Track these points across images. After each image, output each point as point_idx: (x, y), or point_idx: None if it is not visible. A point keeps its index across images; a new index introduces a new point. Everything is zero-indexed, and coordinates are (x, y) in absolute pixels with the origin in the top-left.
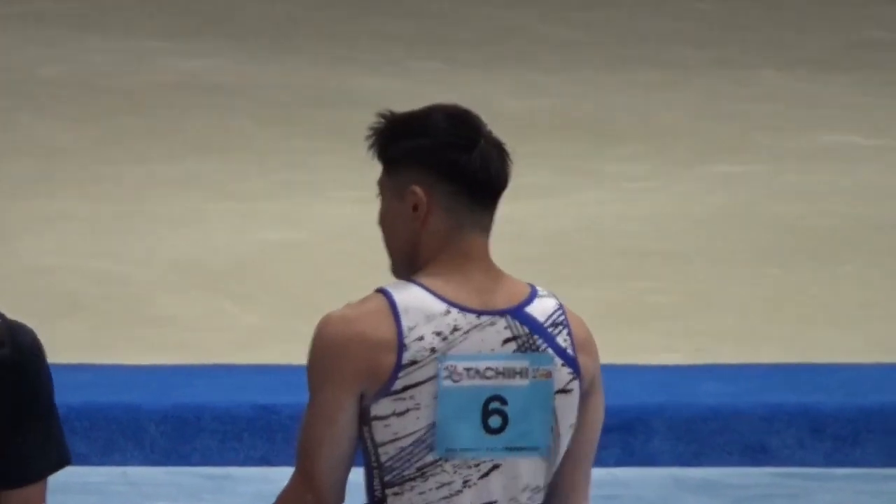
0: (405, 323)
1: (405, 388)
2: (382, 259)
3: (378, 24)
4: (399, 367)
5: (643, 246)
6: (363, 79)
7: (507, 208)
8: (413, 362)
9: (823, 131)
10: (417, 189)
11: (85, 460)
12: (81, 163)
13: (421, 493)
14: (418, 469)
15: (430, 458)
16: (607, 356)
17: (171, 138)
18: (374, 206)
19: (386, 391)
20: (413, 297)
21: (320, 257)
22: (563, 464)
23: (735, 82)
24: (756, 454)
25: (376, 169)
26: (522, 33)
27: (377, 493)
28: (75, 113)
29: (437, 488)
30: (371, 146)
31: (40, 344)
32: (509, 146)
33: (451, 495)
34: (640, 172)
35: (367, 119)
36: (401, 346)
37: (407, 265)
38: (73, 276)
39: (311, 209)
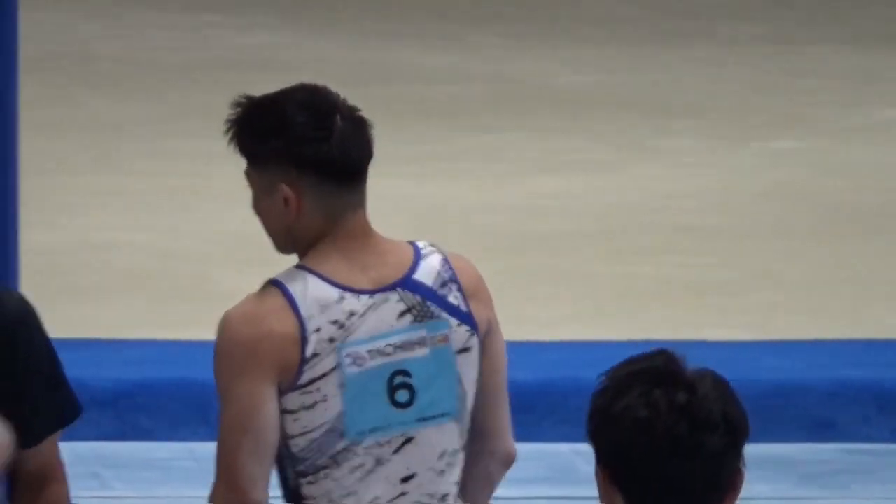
0: (304, 314)
1: (311, 382)
2: (440, 232)
3: None
4: (303, 360)
5: (699, 222)
6: (420, 54)
7: (563, 183)
8: (315, 354)
9: (879, 106)
10: (285, 187)
11: (150, 436)
12: (140, 138)
13: (335, 480)
14: (331, 457)
15: (341, 445)
16: (666, 332)
17: (224, 113)
18: (428, 181)
19: (293, 385)
20: (308, 287)
21: (378, 231)
22: (481, 410)
23: (789, 57)
24: (822, 430)
25: (431, 145)
26: (579, 9)
27: (290, 483)
28: (133, 89)
29: (351, 472)
30: (231, 140)
31: (28, 307)
32: (564, 122)
33: (364, 476)
34: (695, 148)
35: (424, 94)
36: (303, 340)
37: (288, 245)
38: (132, 251)
39: (367, 184)
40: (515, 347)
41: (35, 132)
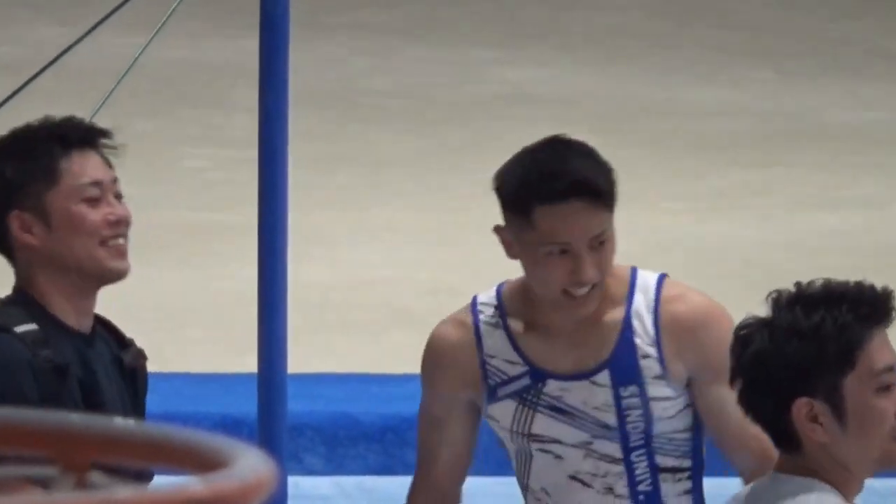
0: None
1: None
2: (716, 267)
3: (706, 34)
4: None
5: None
6: (692, 89)
7: (839, 220)
8: None
9: None
10: None
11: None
12: (408, 173)
13: None
14: None
15: None
16: None
17: (498, 149)
18: (703, 217)
19: None
20: None
21: (649, 268)
22: None
23: None
24: None
25: (705, 180)
26: (854, 45)
27: None
28: (402, 124)
29: None
30: (598, 194)
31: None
32: (834, 157)
33: None
34: None
35: (694, 129)
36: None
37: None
38: (400, 286)
39: (639, 220)
40: None
41: (306, 167)
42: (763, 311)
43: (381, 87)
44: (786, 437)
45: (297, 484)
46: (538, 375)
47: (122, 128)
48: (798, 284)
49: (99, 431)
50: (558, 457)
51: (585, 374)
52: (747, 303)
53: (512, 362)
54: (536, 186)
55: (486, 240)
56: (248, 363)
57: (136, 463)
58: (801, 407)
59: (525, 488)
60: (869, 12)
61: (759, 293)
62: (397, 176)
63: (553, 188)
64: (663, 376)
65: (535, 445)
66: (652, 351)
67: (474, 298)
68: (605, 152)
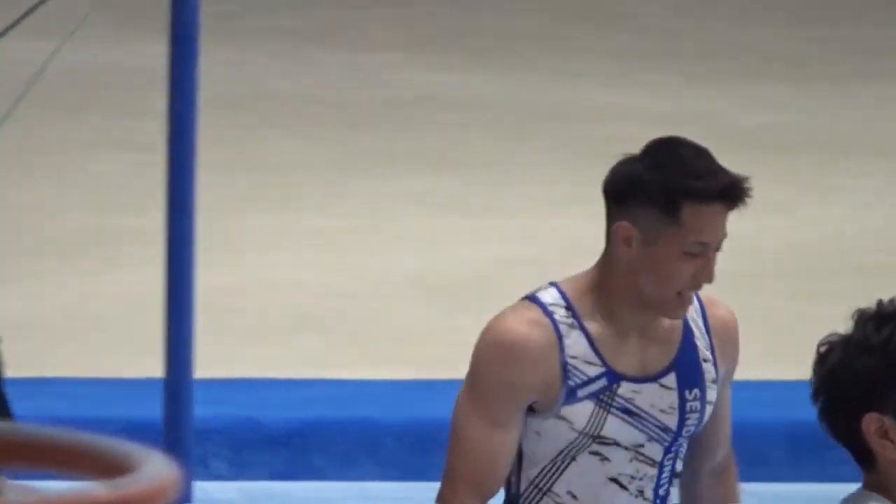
0: None
1: None
2: None
3: (612, 38)
4: None
5: (880, 261)
6: (597, 93)
7: (740, 224)
8: None
9: None
10: None
11: (321, 475)
12: (315, 178)
13: None
14: None
15: None
16: None
17: (405, 153)
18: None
19: None
20: None
21: (554, 273)
22: None
23: None
24: None
25: None
26: (754, 49)
27: None
28: (308, 128)
29: None
30: (744, 198)
31: None
32: (741, 161)
33: None
34: (874, 187)
35: (601, 133)
36: None
37: None
38: (308, 291)
39: (545, 224)
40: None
41: (218, 172)
42: None
43: (291, 91)
44: (863, 455)
45: (203, 489)
46: (613, 377)
47: (31, 133)
48: (879, 301)
49: (3, 437)
50: (605, 459)
51: (654, 377)
52: None
53: (591, 363)
54: (691, 184)
55: (395, 245)
56: (155, 367)
57: (41, 468)
58: (871, 423)
59: (542, 492)
60: (771, 17)
61: None
62: (306, 181)
63: (708, 188)
64: (716, 380)
65: (593, 447)
66: (708, 354)
67: (536, 298)
68: (514, 157)
